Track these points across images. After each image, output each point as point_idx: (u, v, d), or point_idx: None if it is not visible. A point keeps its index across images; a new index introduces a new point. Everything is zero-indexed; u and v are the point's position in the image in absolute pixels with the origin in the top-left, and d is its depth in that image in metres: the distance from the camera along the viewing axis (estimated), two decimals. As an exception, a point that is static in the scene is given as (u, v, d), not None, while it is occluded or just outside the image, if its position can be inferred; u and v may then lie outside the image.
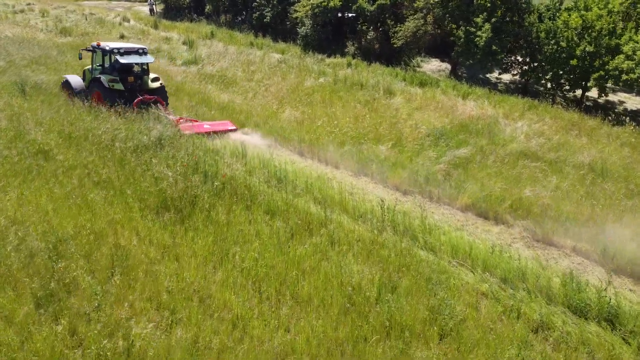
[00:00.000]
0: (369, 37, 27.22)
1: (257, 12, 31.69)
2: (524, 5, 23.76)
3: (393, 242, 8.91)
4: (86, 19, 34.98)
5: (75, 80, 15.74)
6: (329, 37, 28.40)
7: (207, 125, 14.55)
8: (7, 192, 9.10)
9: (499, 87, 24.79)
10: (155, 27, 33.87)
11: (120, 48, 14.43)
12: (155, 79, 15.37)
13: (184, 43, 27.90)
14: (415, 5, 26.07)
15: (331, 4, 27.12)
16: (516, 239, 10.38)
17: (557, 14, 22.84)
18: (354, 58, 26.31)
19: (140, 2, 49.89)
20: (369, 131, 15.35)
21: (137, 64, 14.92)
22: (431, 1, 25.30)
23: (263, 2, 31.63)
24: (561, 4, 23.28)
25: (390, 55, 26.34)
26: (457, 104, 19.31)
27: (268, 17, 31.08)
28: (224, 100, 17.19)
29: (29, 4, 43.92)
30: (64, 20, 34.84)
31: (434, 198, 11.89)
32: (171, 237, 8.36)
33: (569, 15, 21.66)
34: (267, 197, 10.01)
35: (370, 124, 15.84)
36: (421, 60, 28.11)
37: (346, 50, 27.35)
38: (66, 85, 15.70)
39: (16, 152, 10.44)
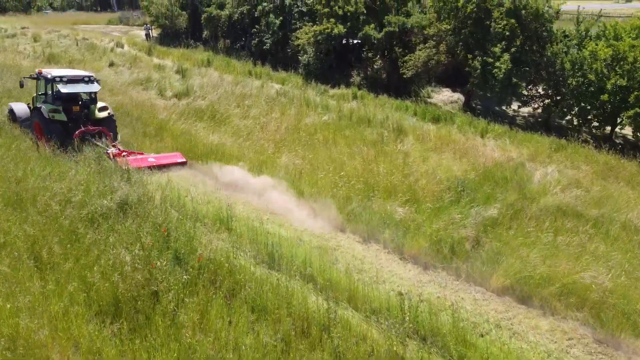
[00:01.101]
0: (375, 66, 25.29)
1: (257, 39, 29.92)
2: (544, 33, 21.78)
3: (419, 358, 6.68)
4: (77, 45, 33.29)
5: (20, 108, 14.63)
6: (333, 65, 26.51)
7: (151, 159, 13.34)
8: None
9: (518, 121, 22.73)
10: (149, 53, 32.12)
11: (64, 76, 13.47)
12: (102, 109, 14.24)
13: (177, 72, 26.05)
14: (426, 32, 24.18)
15: (335, 30, 25.28)
16: (572, 340, 8.09)
17: (583, 43, 20.85)
18: (359, 89, 24.35)
19: (138, 26, 48.47)
20: (379, 181, 13.18)
21: (80, 92, 13.86)
22: (443, 28, 23.41)
23: (263, 28, 29.86)
24: (587, 32, 21.28)
25: (398, 85, 24.35)
26: (476, 145, 17.21)
27: (268, 44, 29.28)
28: (213, 142, 15.11)
29: (23, 28, 42.57)
30: (54, 45, 33.18)
31: (462, 275, 9.65)
32: (120, 357, 6.18)
33: (597, 45, 19.66)
34: (255, 285, 7.79)
35: (380, 172, 13.68)
36: (432, 90, 26.09)
37: (351, 80, 25.41)
38: (11, 113, 14.64)
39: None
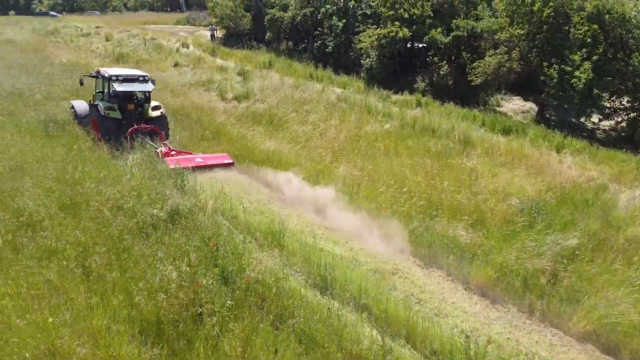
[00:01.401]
0: (441, 72, 24.12)
1: (319, 41, 29.45)
2: (631, 40, 19.86)
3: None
4: (145, 44, 34.19)
5: (80, 105, 15.25)
6: (397, 70, 25.58)
7: (199, 159, 13.35)
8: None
9: (598, 136, 20.92)
10: (213, 54, 32.45)
11: (120, 75, 13.88)
12: (155, 108, 14.52)
13: (238, 73, 26.01)
14: (497, 38, 22.77)
15: (400, 34, 24.34)
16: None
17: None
18: (424, 95, 23.30)
19: (204, 26, 49.43)
20: (443, 199, 12.22)
21: (135, 91, 14.23)
22: (516, 33, 21.94)
23: (325, 30, 29.36)
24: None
25: (466, 93, 23.08)
26: (551, 161, 15.82)
27: (330, 47, 28.74)
28: (270, 148, 14.69)
29: (97, 27, 44.44)
30: (124, 45, 34.26)
31: (535, 314, 8.59)
32: (158, 386, 5.75)
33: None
34: (304, 313, 7.17)
35: (445, 189, 12.71)
36: (501, 99, 24.59)
37: (415, 86, 24.40)
38: (72, 110, 15.33)
39: (-5, 226, 8.27)
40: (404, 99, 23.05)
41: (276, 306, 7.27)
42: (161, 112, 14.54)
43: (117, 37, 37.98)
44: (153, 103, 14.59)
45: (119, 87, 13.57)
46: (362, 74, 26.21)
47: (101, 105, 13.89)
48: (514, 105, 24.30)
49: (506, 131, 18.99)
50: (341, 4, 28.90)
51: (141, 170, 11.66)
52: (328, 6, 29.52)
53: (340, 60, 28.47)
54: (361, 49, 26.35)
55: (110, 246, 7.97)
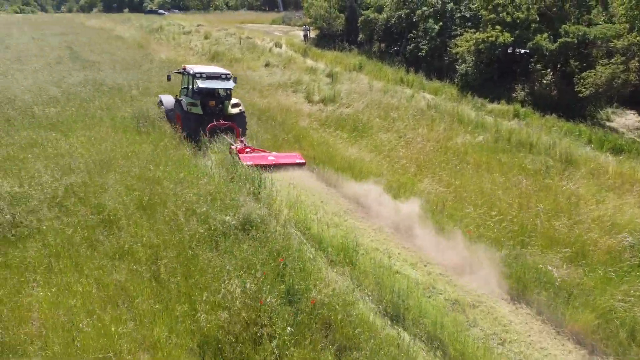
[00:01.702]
0: (544, 81, 22.19)
1: (412, 44, 28.44)
2: None
3: None
4: (240, 43, 35.11)
5: (168, 99, 15.85)
6: (494, 77, 23.99)
7: (271, 157, 13.45)
8: (34, 285, 7.06)
9: None
10: (304, 55, 32.56)
11: (203, 73, 14.32)
12: (235, 105, 14.86)
13: (327, 75, 25.78)
14: (612, 45, 20.51)
15: (501, 39, 22.76)
16: None
17: None
18: (523, 106, 21.59)
19: (299, 26, 50.03)
20: (538, 225, 10.98)
21: (216, 89, 14.65)
22: (636, 41, 19.61)
23: (420, 33, 28.28)
24: None
25: (571, 105, 21.01)
26: (671, 189, 13.78)
27: (424, 51, 27.63)
28: (351, 156, 14.15)
29: (199, 26, 46.51)
30: (220, 43, 35.43)
31: (644, 375, 7.32)
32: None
33: None
34: (371, 346, 6.57)
35: (540, 213, 11.44)
36: (612, 112, 22.15)
37: (514, 95, 22.68)
38: (160, 104, 16.01)
39: (75, 221, 8.50)
40: (500, 109, 21.51)
41: (341, 335, 6.74)
42: (240, 110, 14.85)
43: (215, 36, 39.42)
44: (233, 100, 14.92)
45: (201, 84, 14.00)
46: (455, 80, 24.89)
47: (184, 100, 14.45)
48: (628, 121, 21.78)
49: (617, 150, 16.98)
50: (439, 6, 27.68)
51: (220, 173, 11.67)
52: (425, 8, 28.43)
53: (434, 64, 27.28)
54: (457, 53, 25.03)
55: (179, 251, 7.89)
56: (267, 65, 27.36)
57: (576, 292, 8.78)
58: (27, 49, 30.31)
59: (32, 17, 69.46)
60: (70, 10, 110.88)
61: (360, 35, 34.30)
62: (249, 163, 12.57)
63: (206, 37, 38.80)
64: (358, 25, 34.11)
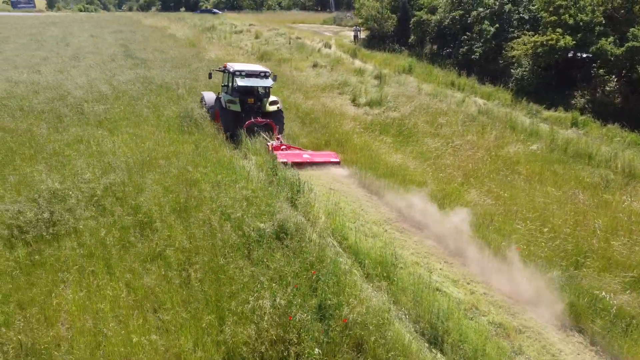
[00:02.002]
0: (608, 87, 20.81)
1: (465, 47, 27.42)
2: None
3: None
4: (290, 43, 35.07)
5: (209, 97, 16.12)
6: (552, 83, 22.73)
7: (306, 155, 13.59)
8: (65, 286, 7.03)
9: None
10: (353, 55, 32.13)
11: (243, 70, 14.56)
12: (273, 102, 14.97)
13: (375, 77, 25.24)
14: (687, 50, 18.95)
15: (561, 42, 21.50)
16: None
17: None
18: (582, 113, 20.31)
19: (349, 27, 49.62)
20: (594, 245, 10.12)
21: (254, 86, 14.77)
22: None
23: (474, 35, 27.23)
24: None
25: (637, 114, 19.59)
26: None
27: (477, 53, 26.58)
28: (395, 162, 13.61)
29: (250, 25, 46.96)
30: (270, 43, 35.53)
31: None
32: None
33: None
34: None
35: (597, 232, 10.56)
36: (683, 124, 20.48)
37: (573, 102, 21.39)
38: (202, 101, 16.28)
39: (111, 221, 8.48)
40: (557, 116, 20.33)
41: (373, 357, 6.32)
42: (278, 107, 14.96)
43: (265, 35, 39.62)
44: (271, 98, 15.05)
45: (240, 82, 14.23)
46: (510, 85, 23.78)
47: (223, 97, 14.79)
48: (701, 133, 20.06)
49: (687, 165, 15.59)
50: (496, 8, 26.56)
51: (259, 176, 11.47)
52: (480, 9, 27.37)
53: (487, 68, 26.19)
54: (513, 57, 23.92)
55: (211, 257, 7.68)
56: (314, 65, 27.11)
57: (636, 322, 7.97)
58: (85, 46, 31.43)
59: (94, 16, 72.42)
60: (130, 9, 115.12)
61: (412, 37, 33.52)
62: (283, 160, 12.63)
63: (256, 37, 39.05)
64: (410, 26, 33.35)
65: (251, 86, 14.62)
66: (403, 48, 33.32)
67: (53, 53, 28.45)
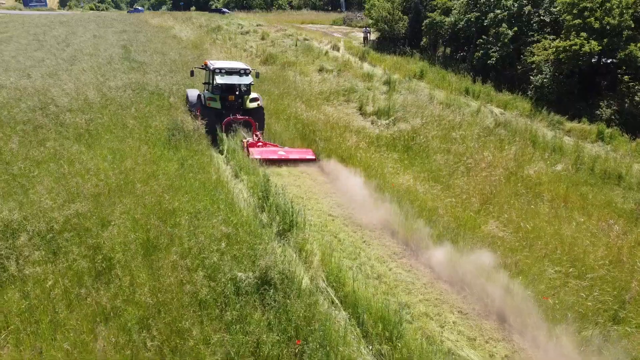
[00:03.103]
0: (637, 97, 19.16)
1: (481, 51, 25.82)
2: None
3: None
4: (296, 45, 33.70)
5: (192, 94, 16.07)
6: (574, 91, 21.11)
7: (282, 152, 13.58)
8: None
9: None
10: (362, 59, 30.68)
11: (223, 68, 14.65)
12: (253, 100, 15.05)
13: (385, 82, 23.79)
14: None
15: (586, 47, 19.90)
16: None
17: None
18: (608, 126, 18.72)
19: (359, 27, 48.12)
20: (634, 290, 8.63)
21: (234, 84, 14.83)
22: None
23: (491, 39, 25.62)
24: None
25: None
26: None
27: (494, 58, 24.98)
28: (403, 184, 12.17)
29: (258, 25, 45.69)
30: (276, 45, 34.21)
31: None
32: None
33: None
34: None
35: (637, 274, 9.05)
36: None
37: (598, 112, 19.78)
38: (187, 99, 16.34)
39: (65, 266, 7.16)
40: (581, 128, 18.77)
41: None
42: (258, 104, 15.02)
43: (272, 37, 38.29)
44: (252, 95, 15.11)
45: (220, 80, 14.45)
46: (529, 93, 22.20)
47: (204, 95, 14.96)
48: None
49: None
50: (514, 10, 24.94)
51: (247, 201, 10.14)
52: (498, 11, 25.76)
53: (504, 74, 24.61)
54: (532, 62, 22.33)
55: (173, 319, 6.33)
56: (320, 70, 25.71)
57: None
58: (85, 47, 30.35)
59: (103, 15, 71.66)
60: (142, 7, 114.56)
61: (424, 39, 31.97)
62: (257, 157, 12.75)
63: (263, 38, 37.75)
64: (422, 28, 31.80)
65: (231, 84, 14.71)
66: (414, 51, 31.74)
67: (50, 55, 27.39)
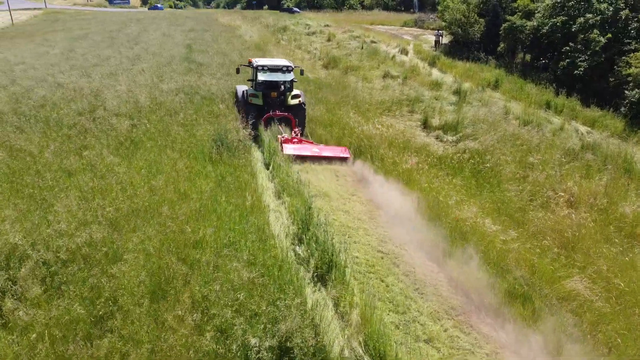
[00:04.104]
0: None
1: (567, 59, 23.14)
2: None
3: None
4: (362, 48, 32.22)
5: (241, 90, 15.97)
6: (680, 110, 18.22)
7: (315, 149, 13.42)
8: None
9: None
10: (431, 64, 28.69)
11: (266, 65, 15.01)
12: (295, 96, 15.09)
13: (454, 92, 21.83)
14: None
15: (696, 60, 17.00)
16: None
17: None
18: None
19: (432, 29, 45.85)
20: None
21: (275, 81, 15.04)
22: None
23: (579, 46, 22.88)
24: None
25: None
26: None
27: (581, 68, 22.26)
28: (466, 219, 10.39)
29: (325, 26, 44.68)
30: (341, 47, 32.92)
31: None
32: None
33: None
34: None
35: None
36: None
37: None
38: (236, 95, 16.47)
39: (61, 308, 6.21)
40: (689, 156, 15.98)
41: None
42: (299, 101, 15.05)
43: (338, 38, 37.06)
44: (294, 92, 15.19)
45: (261, 77, 14.86)
46: (622, 109, 19.44)
47: (247, 91, 15.13)
48: None
49: None
50: (609, 14, 22.10)
51: (285, 231, 8.92)
52: (589, 15, 22.97)
53: (593, 86, 21.84)
54: (628, 75, 19.54)
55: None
56: (385, 75, 24.08)
57: None
58: (151, 45, 30.51)
59: (177, 13, 73.58)
60: (218, 6, 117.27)
61: (501, 45, 29.46)
62: (290, 153, 12.75)
63: (329, 39, 36.59)
64: (499, 32, 29.30)
65: (273, 81, 14.95)
66: (490, 57, 29.28)
67: (117, 53, 27.68)
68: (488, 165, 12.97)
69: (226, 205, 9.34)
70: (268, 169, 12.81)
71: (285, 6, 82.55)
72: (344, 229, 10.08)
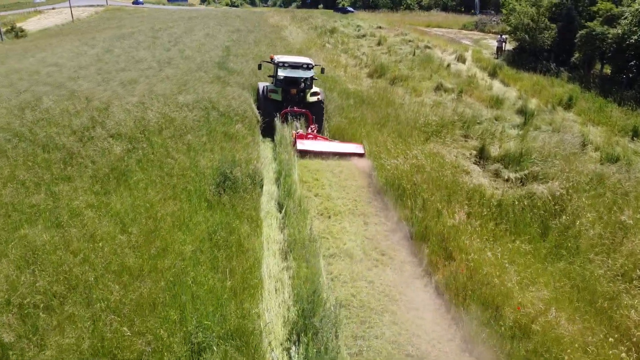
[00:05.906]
0: None
1: (659, 75, 19.38)
2: None
3: None
4: (414, 54, 29.25)
5: (262, 86, 16.05)
6: None
7: (330, 145, 13.43)
8: None
9: None
10: (492, 75, 25.39)
11: (286, 62, 15.35)
12: (314, 94, 15.32)
13: (518, 111, 18.66)
14: None
15: None
16: None
17: None
18: None
19: (494, 33, 42.05)
20: None
21: (295, 77, 15.09)
22: None
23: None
24: None
25: None
26: None
27: (678, 87, 18.48)
28: (531, 308, 7.56)
29: (378, 28, 42.02)
30: (391, 52, 30.12)
31: None
32: None
33: None
34: None
35: None
36: None
37: None
38: (258, 92, 16.52)
39: None
40: None
41: None
42: (318, 98, 15.29)
43: (390, 42, 34.22)
44: (314, 89, 15.43)
45: (281, 73, 15.09)
46: None
47: (267, 87, 15.48)
48: None
49: None
50: None
51: (280, 321, 6.50)
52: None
53: (693, 109, 18.06)
54: None
55: None
56: (437, 88, 21.15)
57: None
58: (189, 47, 28.92)
59: (230, 11, 72.73)
60: (275, 4, 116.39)
61: (576, 54, 25.72)
62: (302, 148, 12.77)
63: (379, 43, 33.86)
64: (574, 40, 25.56)
65: (292, 77, 15.03)
66: (562, 69, 25.47)
67: (151, 55, 26.21)
68: (562, 220, 9.98)
69: (204, 281, 7.01)
70: (281, 211, 10.44)
71: (340, 5, 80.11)
72: (363, 313, 7.57)
